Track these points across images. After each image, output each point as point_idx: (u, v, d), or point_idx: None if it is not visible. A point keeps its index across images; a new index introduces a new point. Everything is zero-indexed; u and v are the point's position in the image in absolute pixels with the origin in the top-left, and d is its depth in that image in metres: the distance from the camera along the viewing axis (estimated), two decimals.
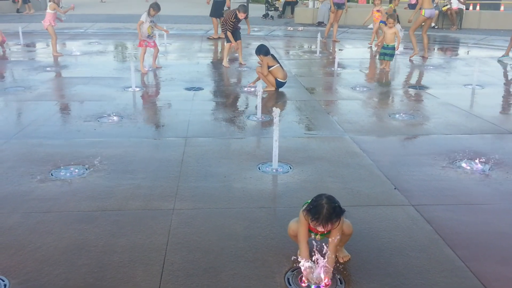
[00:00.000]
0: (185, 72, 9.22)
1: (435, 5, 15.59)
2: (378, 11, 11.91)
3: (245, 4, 9.86)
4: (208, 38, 13.22)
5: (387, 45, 9.04)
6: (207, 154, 4.73)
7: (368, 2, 23.38)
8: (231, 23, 9.37)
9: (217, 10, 13.11)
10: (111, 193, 3.83)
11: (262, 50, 7.56)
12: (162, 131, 5.55)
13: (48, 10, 10.23)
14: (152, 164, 4.46)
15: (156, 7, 8.86)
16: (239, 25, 9.54)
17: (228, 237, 3.18)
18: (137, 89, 7.54)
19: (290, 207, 3.63)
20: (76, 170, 4.28)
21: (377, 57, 9.19)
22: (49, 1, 10.43)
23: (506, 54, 10.15)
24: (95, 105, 6.48)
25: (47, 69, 9.04)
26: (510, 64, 9.90)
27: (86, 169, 4.30)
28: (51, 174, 4.20)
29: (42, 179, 4.10)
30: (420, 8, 10.19)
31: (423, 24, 10.40)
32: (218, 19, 13.05)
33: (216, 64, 9.75)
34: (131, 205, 3.64)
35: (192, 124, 5.83)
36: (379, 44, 9.93)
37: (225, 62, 9.49)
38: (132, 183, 4.02)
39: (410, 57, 10.37)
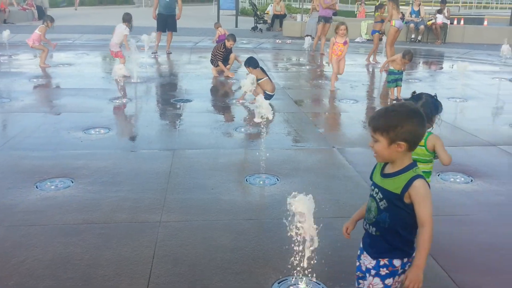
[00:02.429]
0: (173, 83, 9.25)
1: (420, 19, 15.92)
2: (345, 43, 8.64)
3: (233, 35, 10.02)
4: (152, 53, 12.21)
5: (398, 71, 7.87)
6: (195, 166, 4.75)
7: (354, 16, 23.70)
8: (220, 53, 9.59)
9: (163, 24, 12.35)
10: (97, 206, 3.82)
11: (251, 63, 7.63)
12: (149, 143, 5.54)
13: (37, 31, 10.27)
14: (139, 176, 4.46)
15: (131, 17, 9.60)
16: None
17: (215, 249, 3.18)
18: (125, 100, 7.54)
19: (277, 219, 3.66)
20: (62, 183, 4.26)
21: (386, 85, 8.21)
22: (43, 23, 10.48)
23: None
24: (82, 116, 6.46)
25: (34, 80, 9.00)
26: (493, 78, 10.08)
27: (72, 182, 4.28)
28: (37, 187, 4.17)
29: (27, 191, 4.07)
30: (389, 20, 10.50)
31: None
32: (164, 33, 12.44)
33: (205, 76, 9.78)
34: (118, 217, 3.63)
35: (180, 136, 5.85)
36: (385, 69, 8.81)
37: (214, 72, 9.80)
38: (119, 196, 4.01)
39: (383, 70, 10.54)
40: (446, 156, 3.13)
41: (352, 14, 22.85)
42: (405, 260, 2.10)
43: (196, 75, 9.95)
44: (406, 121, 2.01)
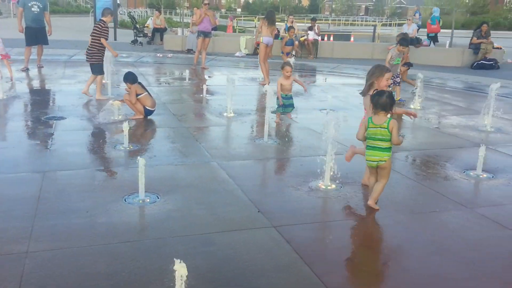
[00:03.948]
0: (45, 100, 8.65)
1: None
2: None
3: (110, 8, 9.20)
4: (22, 70, 11.23)
5: (285, 95, 7.44)
6: (68, 189, 4.47)
7: (234, 31, 24.41)
8: (106, 30, 8.60)
9: (32, 38, 11.45)
10: None
11: (130, 78, 7.42)
12: (15, 166, 5.09)
13: None
14: (2, 203, 4.07)
15: None
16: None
17: (88, 277, 3.02)
18: None
19: (156, 238, 3.60)
20: None
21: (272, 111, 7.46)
22: None
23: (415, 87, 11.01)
24: None
25: None
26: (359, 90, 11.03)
27: None
28: None
29: None
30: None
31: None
32: (34, 47, 11.61)
33: (80, 91, 9.28)
34: None
35: (51, 156, 5.48)
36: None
37: (99, 95, 8.67)
38: None
39: (260, 83, 11.09)
40: (397, 138, 4.07)
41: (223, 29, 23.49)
42: None
43: (71, 90, 9.40)
44: None
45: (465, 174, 5.37)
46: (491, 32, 16.44)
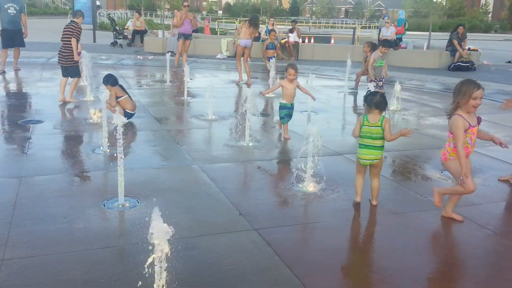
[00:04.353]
0: (22, 103, 8.49)
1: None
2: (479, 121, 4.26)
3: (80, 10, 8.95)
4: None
5: (286, 104, 6.76)
6: (45, 194, 4.39)
7: (215, 33, 24.37)
8: (79, 30, 8.41)
9: (9, 41, 11.31)
10: None
11: (110, 80, 7.32)
12: None
13: None
14: None
15: None
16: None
17: (66, 284, 2.97)
18: None
19: (136, 244, 3.55)
20: None
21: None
22: None
23: (355, 88, 11.27)
24: None
25: None
26: (340, 92, 11.14)
27: None
28: None
29: None
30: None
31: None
32: (11, 49, 11.46)
33: (58, 94, 9.13)
34: None
35: (28, 161, 5.37)
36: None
37: (70, 97, 8.55)
38: None
39: (236, 82, 11.41)
40: (389, 134, 4.16)
41: (213, 32, 23.46)
42: None
43: (49, 93, 9.26)
44: None
45: (443, 174, 5.45)
46: (467, 34, 16.73)
